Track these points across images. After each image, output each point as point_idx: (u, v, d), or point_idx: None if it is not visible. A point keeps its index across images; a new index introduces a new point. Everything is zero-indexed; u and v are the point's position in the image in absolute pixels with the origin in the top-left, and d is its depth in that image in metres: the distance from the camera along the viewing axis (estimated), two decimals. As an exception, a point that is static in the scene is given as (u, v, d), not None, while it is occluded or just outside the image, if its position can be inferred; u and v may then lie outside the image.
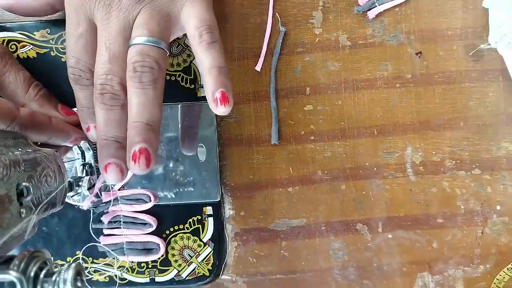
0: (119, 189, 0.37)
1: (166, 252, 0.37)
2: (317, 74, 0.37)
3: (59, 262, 0.37)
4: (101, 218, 0.37)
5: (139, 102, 0.28)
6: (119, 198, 0.36)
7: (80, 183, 0.34)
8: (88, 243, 0.37)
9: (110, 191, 0.36)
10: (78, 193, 0.34)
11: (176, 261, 0.37)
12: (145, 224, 0.37)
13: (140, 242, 0.37)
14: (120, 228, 0.36)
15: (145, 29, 0.29)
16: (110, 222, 0.37)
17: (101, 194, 0.35)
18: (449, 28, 0.37)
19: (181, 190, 0.37)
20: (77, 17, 0.30)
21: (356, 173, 0.37)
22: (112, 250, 0.36)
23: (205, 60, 0.29)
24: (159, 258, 0.37)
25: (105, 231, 0.37)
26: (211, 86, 0.29)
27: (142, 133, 0.28)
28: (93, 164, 0.35)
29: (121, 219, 0.36)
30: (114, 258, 0.37)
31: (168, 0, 0.30)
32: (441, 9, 0.37)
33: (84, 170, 0.35)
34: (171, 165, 0.37)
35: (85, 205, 0.36)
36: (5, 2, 0.33)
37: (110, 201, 0.36)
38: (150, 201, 0.36)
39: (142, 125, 0.28)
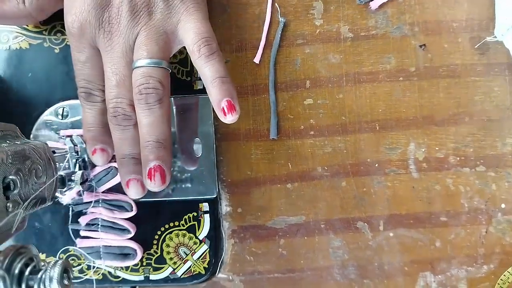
0: (103, 192, 0.35)
1: (161, 249, 0.36)
2: (318, 66, 0.36)
3: (52, 258, 0.37)
4: (79, 220, 0.35)
5: (148, 122, 0.30)
6: (100, 201, 0.35)
7: (73, 178, 0.33)
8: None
9: (93, 191, 0.35)
10: (71, 188, 0.33)
11: (171, 258, 0.36)
12: (123, 230, 0.35)
13: (117, 246, 0.35)
14: (98, 231, 0.35)
15: (144, 51, 0.30)
16: (88, 224, 0.35)
17: (83, 193, 0.34)
18: (454, 19, 0.36)
19: (178, 186, 0.36)
20: (80, 45, 0.32)
21: (357, 170, 0.37)
22: (88, 254, 0.35)
23: (207, 72, 0.30)
24: (153, 256, 0.36)
25: (82, 233, 0.35)
26: (216, 96, 0.30)
27: (154, 151, 0.30)
28: (86, 159, 0.34)
29: (99, 223, 0.35)
30: (92, 262, 0.35)
31: (163, 18, 0.31)
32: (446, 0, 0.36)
33: (77, 165, 0.34)
34: None
35: (65, 200, 0.34)
36: None
37: (91, 202, 0.35)
38: (132, 210, 0.35)
39: (154, 143, 0.30)
